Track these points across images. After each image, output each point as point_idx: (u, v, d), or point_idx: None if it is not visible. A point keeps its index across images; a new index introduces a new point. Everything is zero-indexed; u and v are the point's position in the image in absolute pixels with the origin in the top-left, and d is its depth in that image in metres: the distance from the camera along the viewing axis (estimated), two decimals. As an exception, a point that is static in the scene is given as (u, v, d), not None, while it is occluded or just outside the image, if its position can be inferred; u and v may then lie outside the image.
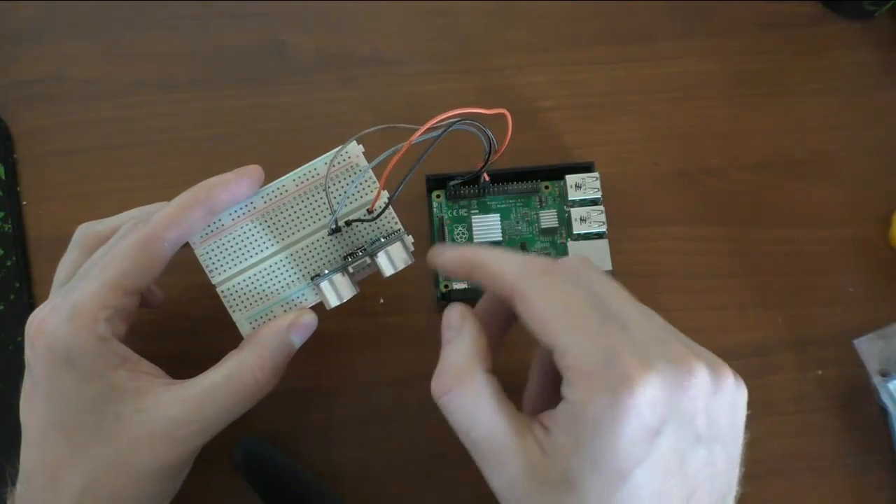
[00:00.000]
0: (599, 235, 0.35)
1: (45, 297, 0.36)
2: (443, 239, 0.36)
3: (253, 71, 0.40)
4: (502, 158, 0.36)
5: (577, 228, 0.35)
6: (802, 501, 0.34)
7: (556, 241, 0.36)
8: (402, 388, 0.35)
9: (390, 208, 0.30)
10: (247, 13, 0.41)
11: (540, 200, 0.37)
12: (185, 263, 0.34)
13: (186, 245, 0.30)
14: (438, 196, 0.37)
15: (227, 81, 0.40)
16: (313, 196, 0.30)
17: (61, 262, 0.31)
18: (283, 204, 0.30)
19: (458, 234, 0.36)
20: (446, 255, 0.28)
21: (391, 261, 0.29)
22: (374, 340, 0.36)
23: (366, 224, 0.30)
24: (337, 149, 0.30)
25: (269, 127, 0.39)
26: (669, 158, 0.39)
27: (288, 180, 0.30)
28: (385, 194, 0.30)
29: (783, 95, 0.40)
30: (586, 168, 0.36)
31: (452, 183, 0.35)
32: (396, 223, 0.31)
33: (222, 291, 0.30)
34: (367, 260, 0.30)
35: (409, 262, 0.30)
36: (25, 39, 0.40)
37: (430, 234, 0.36)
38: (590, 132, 0.39)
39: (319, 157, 0.30)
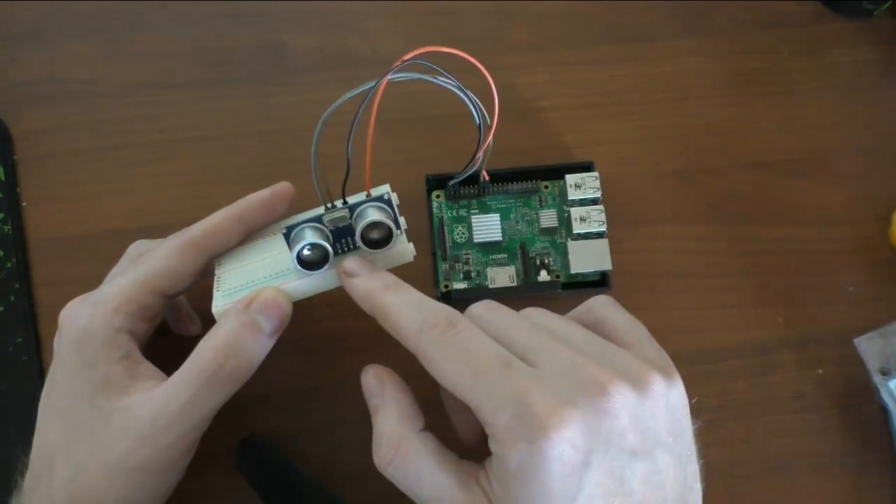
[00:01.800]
0: (599, 235, 0.35)
1: (45, 298, 0.36)
2: (442, 239, 0.36)
3: (253, 71, 0.40)
4: (502, 159, 0.36)
5: (577, 228, 0.35)
6: (802, 500, 0.34)
7: (555, 241, 0.36)
8: (402, 388, 0.35)
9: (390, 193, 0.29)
10: (247, 13, 0.41)
11: (540, 200, 0.37)
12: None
13: None
14: (438, 196, 0.37)
15: (227, 81, 0.40)
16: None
17: (110, 273, 0.32)
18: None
19: (458, 234, 0.36)
20: (355, 284, 0.28)
21: (374, 213, 0.27)
22: (374, 340, 0.35)
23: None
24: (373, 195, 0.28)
25: (269, 127, 0.39)
26: (669, 158, 0.39)
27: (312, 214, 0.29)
28: (390, 190, 0.29)
29: (783, 95, 0.40)
30: (586, 168, 0.36)
31: (452, 183, 0.35)
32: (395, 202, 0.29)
33: (217, 277, 0.30)
34: (346, 212, 0.28)
35: (392, 227, 0.28)
36: (25, 40, 0.40)
37: (429, 234, 0.36)
38: (590, 132, 0.39)
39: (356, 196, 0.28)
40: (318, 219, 0.27)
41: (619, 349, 0.25)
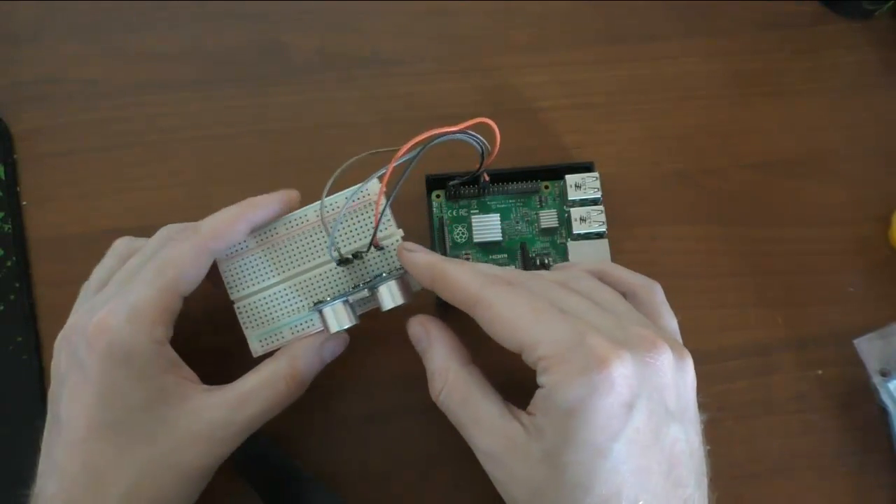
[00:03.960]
0: (599, 235, 0.35)
1: (44, 297, 0.36)
2: (443, 239, 0.36)
3: (253, 71, 0.40)
4: (502, 158, 0.36)
5: (577, 228, 0.35)
6: (802, 501, 0.34)
7: (555, 241, 0.36)
8: (402, 389, 0.35)
9: (399, 243, 0.31)
10: (247, 13, 0.41)
11: (540, 200, 0.37)
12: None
13: None
14: (438, 196, 0.37)
15: (227, 81, 0.40)
16: (329, 228, 0.31)
17: (96, 270, 0.32)
18: (302, 233, 0.31)
19: (458, 234, 0.36)
20: (416, 257, 0.29)
21: (391, 295, 0.30)
22: (374, 340, 0.36)
23: (375, 257, 0.32)
24: (357, 186, 0.30)
25: (269, 127, 0.39)
26: (669, 158, 0.39)
27: (310, 211, 0.31)
28: (400, 232, 0.31)
29: (783, 95, 0.40)
30: (586, 168, 0.36)
31: (452, 183, 0.35)
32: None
33: (238, 308, 0.32)
34: (367, 292, 0.31)
35: (405, 301, 0.30)
36: (25, 39, 0.40)
37: (429, 233, 0.36)
38: (590, 132, 0.39)
39: (341, 192, 0.31)
40: (346, 296, 0.30)
41: (654, 324, 0.28)
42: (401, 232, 0.31)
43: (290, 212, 0.31)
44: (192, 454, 0.28)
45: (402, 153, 0.28)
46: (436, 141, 0.28)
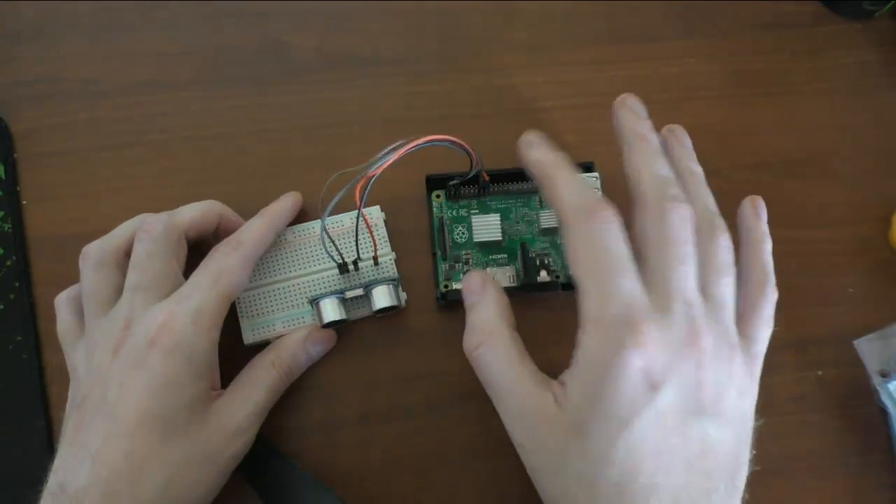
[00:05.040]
0: (599, 235, 0.35)
1: (44, 296, 0.36)
2: (443, 239, 0.36)
3: (253, 71, 0.40)
4: (502, 159, 0.36)
5: (577, 228, 0.35)
6: (802, 502, 0.34)
7: (555, 241, 0.36)
8: (402, 389, 0.35)
9: (392, 262, 0.36)
10: (247, 13, 0.41)
11: (540, 200, 0.37)
12: (188, 263, 0.34)
13: (188, 249, 0.34)
14: (438, 196, 0.37)
15: (227, 81, 0.40)
16: (334, 241, 0.34)
17: (94, 283, 0.32)
18: (308, 241, 0.35)
19: (458, 234, 0.36)
20: (534, 155, 0.30)
21: (383, 296, 0.34)
22: (374, 340, 0.36)
23: (370, 268, 0.35)
24: (359, 210, 0.32)
25: (269, 127, 0.39)
26: (669, 158, 0.39)
27: (317, 224, 0.35)
28: (393, 255, 0.36)
29: (783, 95, 0.40)
30: (586, 168, 0.36)
31: (452, 183, 0.35)
32: (395, 273, 0.36)
33: (239, 299, 0.34)
34: (361, 291, 0.34)
35: (396, 304, 0.34)
36: (25, 39, 0.40)
37: (429, 233, 0.36)
38: (590, 132, 0.39)
39: (347, 213, 0.36)
40: (341, 292, 0.34)
41: (733, 318, 0.27)
42: (394, 254, 0.36)
43: (298, 211, 0.36)
44: (221, 445, 0.30)
45: (384, 168, 0.29)
46: (419, 146, 0.29)
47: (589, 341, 0.25)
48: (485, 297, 0.30)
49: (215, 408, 0.30)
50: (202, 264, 0.32)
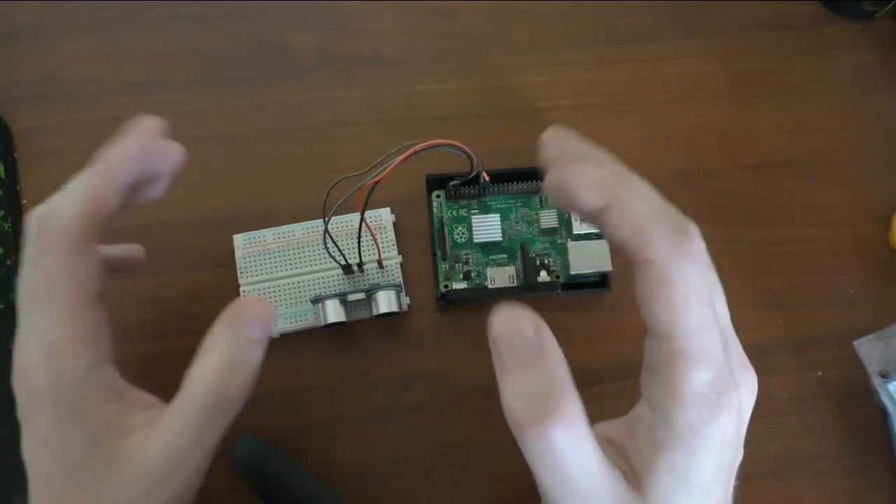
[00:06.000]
0: (599, 236, 0.35)
1: (44, 296, 0.36)
2: (443, 239, 0.36)
3: (253, 71, 0.40)
4: (502, 159, 0.36)
5: (577, 229, 0.35)
6: (802, 502, 0.34)
7: (555, 241, 0.36)
8: (402, 389, 0.35)
9: (398, 266, 0.36)
10: (247, 13, 0.41)
11: (540, 200, 0.37)
12: (187, 263, 0.34)
13: (188, 249, 0.34)
14: (438, 196, 0.37)
15: (227, 81, 0.39)
16: (340, 241, 0.35)
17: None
18: (315, 239, 0.36)
19: (458, 234, 0.36)
20: (594, 172, 0.25)
21: (385, 302, 0.34)
22: (374, 340, 0.36)
23: (375, 271, 0.36)
24: (370, 211, 0.33)
25: (269, 127, 0.39)
26: (670, 159, 0.39)
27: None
28: (400, 258, 0.36)
29: (783, 96, 0.40)
30: (586, 168, 0.36)
31: (452, 183, 0.35)
32: (399, 278, 0.36)
33: (244, 291, 0.35)
34: (363, 295, 0.34)
35: (398, 310, 0.34)
36: (25, 39, 0.40)
37: (430, 233, 0.36)
38: (590, 132, 0.39)
39: (356, 213, 0.35)
40: (343, 294, 0.34)
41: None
42: (400, 258, 0.36)
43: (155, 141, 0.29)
44: (140, 495, 0.24)
45: (385, 175, 0.29)
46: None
47: (680, 413, 0.22)
48: (546, 353, 0.22)
49: (132, 447, 0.24)
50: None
